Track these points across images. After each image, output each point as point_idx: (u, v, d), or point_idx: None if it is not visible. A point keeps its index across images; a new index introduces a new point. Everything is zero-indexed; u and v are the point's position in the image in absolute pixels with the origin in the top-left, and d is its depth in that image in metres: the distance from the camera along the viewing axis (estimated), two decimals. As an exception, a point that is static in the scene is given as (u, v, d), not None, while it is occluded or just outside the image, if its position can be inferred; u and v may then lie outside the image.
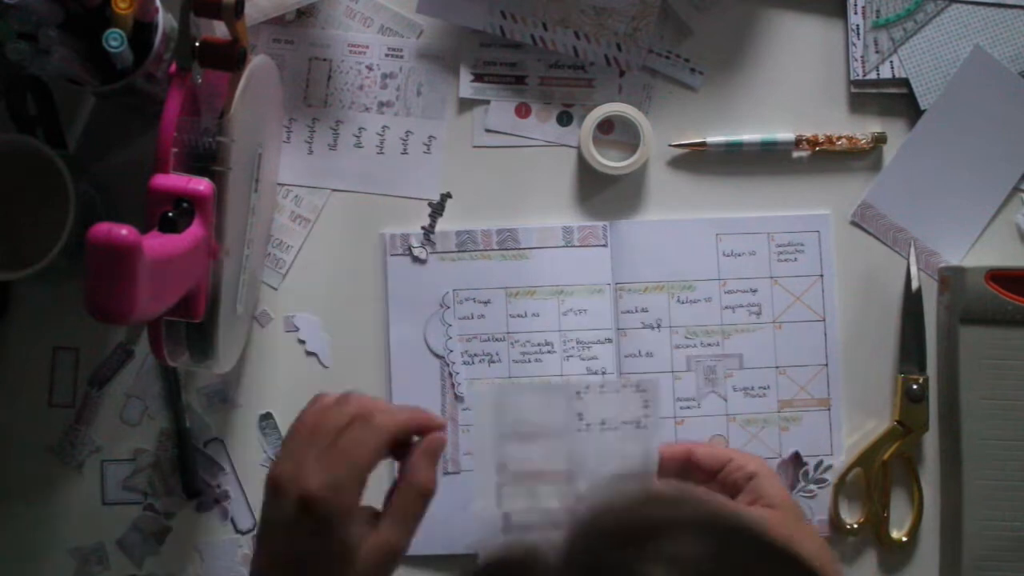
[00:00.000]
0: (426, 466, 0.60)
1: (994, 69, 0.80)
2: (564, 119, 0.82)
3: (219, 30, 0.70)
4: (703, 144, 0.81)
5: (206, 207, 0.64)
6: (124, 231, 0.54)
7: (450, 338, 0.80)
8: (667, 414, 0.80)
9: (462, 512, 0.79)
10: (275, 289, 0.81)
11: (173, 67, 0.66)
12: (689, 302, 0.80)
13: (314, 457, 0.57)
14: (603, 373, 0.79)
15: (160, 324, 0.66)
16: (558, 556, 0.39)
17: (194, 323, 0.68)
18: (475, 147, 0.82)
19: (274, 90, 0.78)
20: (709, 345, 0.80)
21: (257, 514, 0.79)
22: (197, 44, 0.66)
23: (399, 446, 0.60)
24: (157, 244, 0.60)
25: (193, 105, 0.67)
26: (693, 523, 0.40)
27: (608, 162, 0.80)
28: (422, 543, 0.79)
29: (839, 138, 0.81)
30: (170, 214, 0.63)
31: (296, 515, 0.56)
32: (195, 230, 0.64)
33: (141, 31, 0.71)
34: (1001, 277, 0.78)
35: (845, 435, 0.80)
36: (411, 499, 0.59)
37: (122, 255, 0.54)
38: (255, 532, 0.74)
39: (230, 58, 0.67)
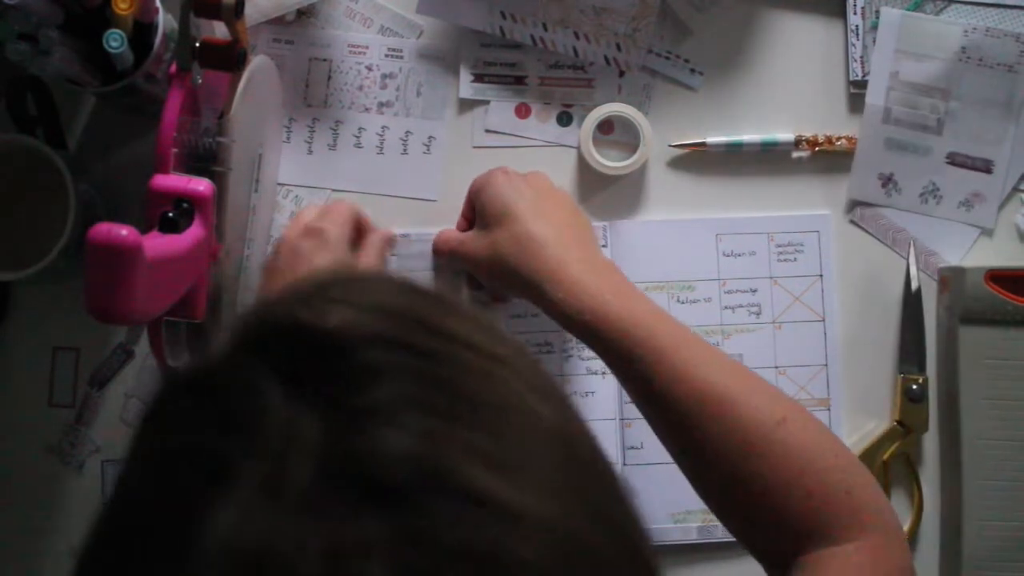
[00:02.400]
0: (386, 233, 0.78)
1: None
2: (564, 119, 0.82)
3: (219, 30, 0.70)
4: (703, 144, 0.81)
5: (206, 207, 0.64)
6: (124, 231, 0.54)
7: (450, 338, 0.80)
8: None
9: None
10: (275, 289, 0.81)
11: (173, 67, 0.66)
12: (689, 302, 0.80)
13: (308, 216, 0.74)
14: (603, 374, 0.79)
15: (160, 324, 0.66)
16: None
17: (194, 323, 0.68)
18: (475, 147, 0.82)
19: (274, 90, 0.78)
20: (709, 345, 0.80)
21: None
22: (197, 44, 0.66)
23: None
24: (157, 244, 0.60)
25: (193, 105, 0.67)
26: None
27: (608, 162, 0.80)
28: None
29: (839, 138, 0.81)
30: (170, 214, 0.63)
31: (302, 241, 0.70)
32: (195, 230, 0.64)
33: (141, 31, 0.71)
34: (1001, 277, 0.78)
35: (845, 435, 0.80)
36: (381, 240, 0.76)
37: (122, 255, 0.54)
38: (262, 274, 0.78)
39: (230, 59, 0.67)
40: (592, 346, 0.65)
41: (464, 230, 0.77)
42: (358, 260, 0.73)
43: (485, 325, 0.38)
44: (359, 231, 0.76)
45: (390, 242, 0.78)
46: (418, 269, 0.80)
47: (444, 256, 0.77)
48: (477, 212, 0.74)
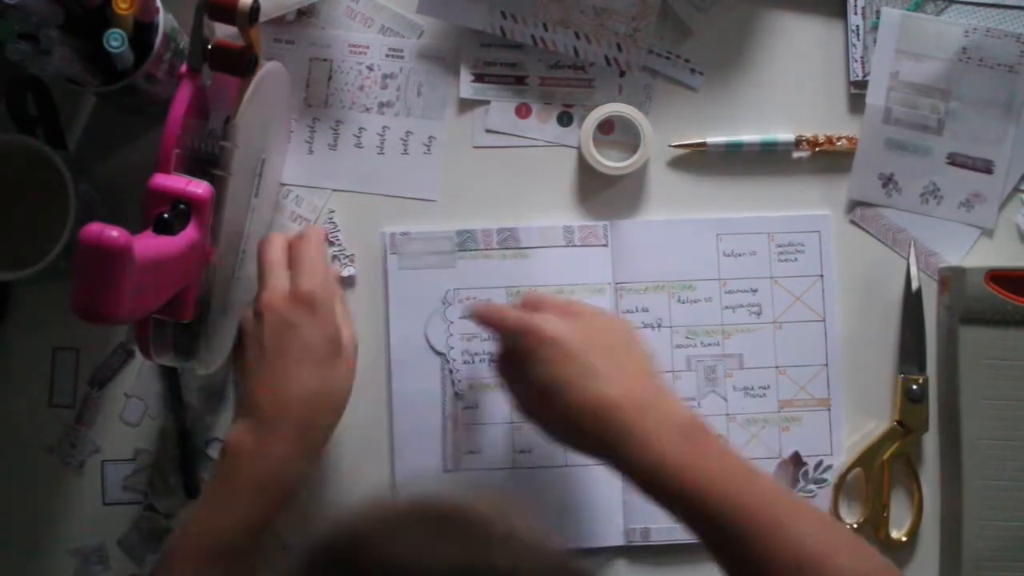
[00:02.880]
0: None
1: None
2: (564, 119, 0.82)
3: (220, 31, 0.70)
4: (703, 144, 0.81)
5: (203, 210, 0.64)
6: (115, 233, 0.54)
7: (451, 335, 0.80)
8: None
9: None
10: (275, 289, 0.81)
11: (183, 67, 0.66)
12: (689, 302, 0.80)
13: (283, 278, 0.70)
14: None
15: (148, 322, 0.66)
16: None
17: (182, 323, 0.68)
18: (475, 147, 0.82)
19: (283, 96, 0.78)
20: (709, 345, 0.80)
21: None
22: (209, 47, 0.66)
23: None
24: (150, 245, 0.59)
25: (201, 107, 0.67)
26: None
27: (608, 162, 0.80)
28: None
29: (839, 138, 0.81)
30: (166, 215, 0.63)
31: (293, 314, 0.68)
32: (190, 233, 0.64)
33: (141, 31, 0.71)
34: (1001, 277, 0.78)
35: (845, 435, 0.80)
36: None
37: (112, 257, 0.54)
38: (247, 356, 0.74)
39: (241, 63, 0.66)
40: (665, 499, 0.62)
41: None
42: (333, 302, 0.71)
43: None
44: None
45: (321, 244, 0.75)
46: (417, 267, 0.80)
47: (511, 333, 0.69)
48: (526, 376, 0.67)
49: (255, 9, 0.64)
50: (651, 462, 0.61)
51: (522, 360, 0.66)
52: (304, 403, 0.67)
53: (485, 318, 0.71)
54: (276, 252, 0.72)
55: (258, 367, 0.68)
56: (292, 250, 0.72)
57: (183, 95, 0.65)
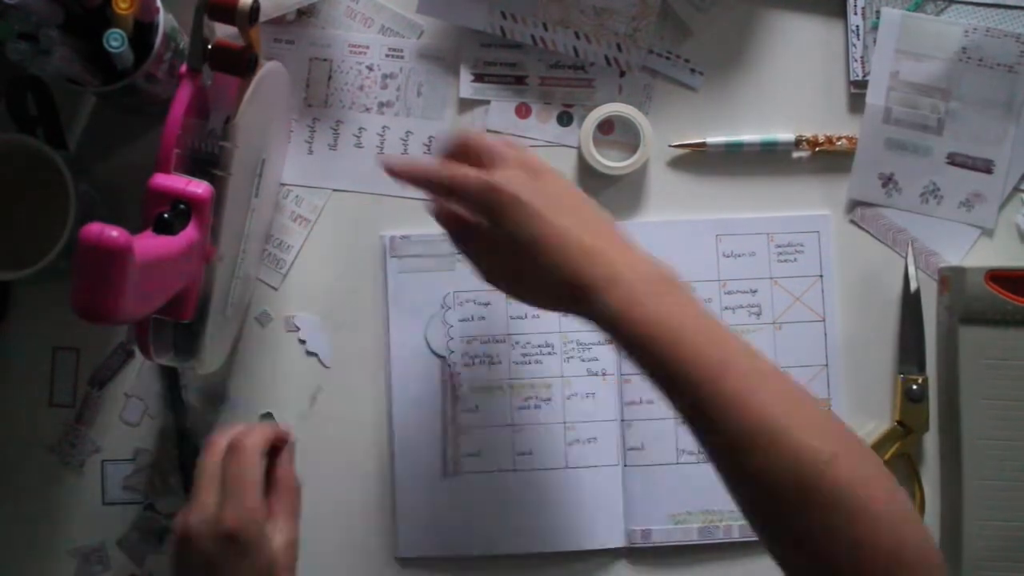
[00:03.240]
0: (291, 467, 0.69)
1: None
2: (564, 119, 0.82)
3: (221, 31, 0.70)
4: (703, 144, 0.81)
5: (203, 210, 0.64)
6: (115, 233, 0.54)
7: (451, 338, 0.80)
8: (667, 415, 0.79)
9: (463, 514, 0.79)
10: (275, 289, 0.81)
11: (183, 67, 0.66)
12: (689, 302, 0.80)
13: (214, 499, 0.64)
14: (604, 375, 0.79)
15: (148, 322, 0.66)
16: None
17: (182, 323, 0.68)
18: (475, 147, 0.82)
19: (283, 96, 0.78)
20: (709, 345, 0.80)
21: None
22: (209, 47, 0.66)
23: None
24: (150, 245, 0.59)
25: (201, 107, 0.67)
26: None
27: (608, 162, 0.80)
28: (424, 545, 0.79)
29: (839, 138, 0.81)
30: (166, 215, 0.63)
31: (223, 555, 0.62)
32: (190, 233, 0.64)
33: (141, 31, 0.71)
34: (1001, 277, 0.78)
35: (845, 435, 0.80)
36: (293, 498, 0.68)
37: (112, 257, 0.54)
38: None
39: (241, 63, 0.66)
40: (633, 352, 0.59)
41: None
42: (274, 527, 0.65)
43: None
44: (271, 456, 0.69)
45: (292, 459, 0.70)
46: (417, 270, 0.80)
47: (469, 193, 0.63)
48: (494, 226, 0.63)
49: (255, 9, 0.64)
50: (619, 308, 0.59)
51: (492, 222, 0.62)
52: None
53: (431, 175, 0.65)
54: (210, 463, 0.66)
55: None
56: (227, 464, 0.65)
57: (183, 95, 0.65)
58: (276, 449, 0.69)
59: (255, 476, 0.65)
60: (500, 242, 0.62)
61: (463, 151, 0.66)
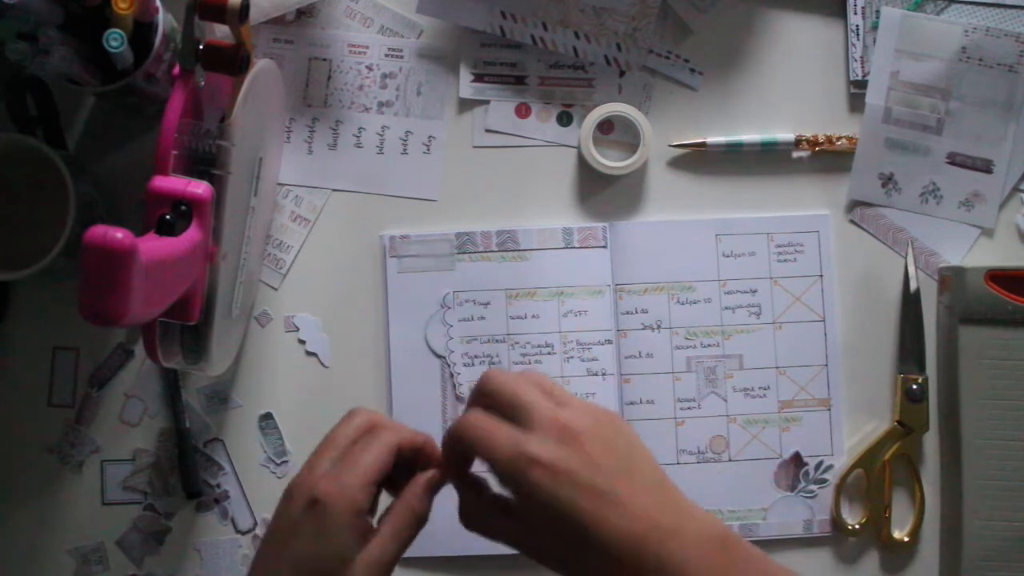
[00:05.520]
0: (424, 495, 0.60)
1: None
2: (564, 119, 0.82)
3: (218, 31, 0.70)
4: (703, 144, 0.81)
5: (204, 210, 0.64)
6: (120, 234, 0.54)
7: (451, 338, 0.80)
8: (667, 415, 0.80)
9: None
10: (275, 289, 0.81)
11: (176, 69, 0.66)
12: (689, 303, 0.80)
13: (326, 465, 0.59)
14: (603, 375, 0.79)
15: (154, 325, 0.66)
16: None
17: (189, 325, 0.68)
18: (475, 147, 0.82)
19: (277, 94, 0.78)
20: (709, 346, 0.80)
21: (257, 514, 0.80)
22: (201, 47, 0.66)
23: (399, 474, 0.61)
24: (153, 247, 0.59)
25: (195, 107, 0.67)
26: None
27: (608, 162, 0.80)
28: (424, 546, 0.79)
29: (839, 138, 0.81)
30: (167, 217, 0.63)
31: (302, 517, 0.57)
32: (192, 233, 0.64)
33: (141, 31, 0.71)
34: (1001, 277, 0.78)
35: (846, 435, 0.80)
36: (406, 521, 0.60)
37: (117, 259, 0.54)
38: (262, 537, 0.72)
39: (233, 62, 0.66)
40: None
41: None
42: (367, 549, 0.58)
43: None
44: (410, 457, 0.61)
45: (437, 488, 0.61)
46: (416, 270, 0.80)
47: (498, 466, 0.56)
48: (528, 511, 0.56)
49: (245, 7, 0.64)
50: None
51: (522, 496, 0.56)
52: None
53: (466, 442, 0.58)
54: (341, 432, 0.60)
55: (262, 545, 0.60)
56: (355, 440, 0.60)
57: (177, 96, 0.65)
58: (415, 463, 0.62)
59: (372, 463, 0.58)
60: (534, 515, 0.56)
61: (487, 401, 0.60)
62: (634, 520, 0.54)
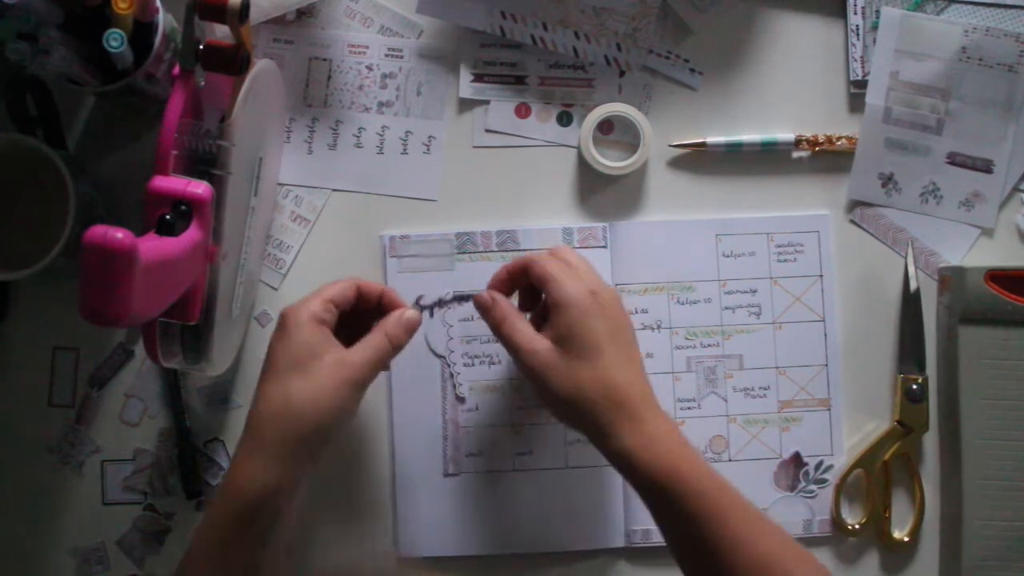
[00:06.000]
0: (397, 323, 0.71)
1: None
2: (564, 119, 0.82)
3: (219, 31, 0.70)
4: (703, 144, 0.81)
5: (204, 210, 0.64)
6: (120, 235, 0.54)
7: (451, 338, 0.80)
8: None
9: (463, 514, 0.79)
10: (275, 289, 0.81)
11: (176, 69, 0.66)
12: (689, 303, 0.80)
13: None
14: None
15: (155, 325, 0.66)
16: None
17: (189, 325, 0.68)
18: (475, 147, 0.82)
19: (277, 94, 0.78)
20: (709, 346, 0.80)
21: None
22: (201, 47, 0.66)
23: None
24: (153, 247, 0.59)
25: (195, 107, 0.67)
26: None
27: (608, 162, 0.80)
28: (424, 545, 0.79)
29: (839, 138, 0.81)
30: (168, 216, 0.63)
31: (275, 333, 0.69)
32: (192, 233, 0.64)
33: (141, 31, 0.71)
34: (1001, 277, 0.78)
35: (846, 435, 0.80)
36: (379, 340, 0.70)
37: (117, 259, 0.54)
38: None
39: (233, 62, 0.66)
40: (646, 498, 0.66)
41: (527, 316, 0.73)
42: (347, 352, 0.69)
43: None
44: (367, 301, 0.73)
45: (407, 328, 0.72)
46: (416, 270, 0.80)
47: (501, 338, 0.71)
48: (557, 323, 0.68)
49: (245, 7, 0.64)
50: (635, 447, 0.65)
51: (562, 305, 0.68)
52: (269, 419, 0.67)
53: (536, 273, 0.71)
54: (339, 283, 0.72)
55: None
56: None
57: (177, 97, 0.65)
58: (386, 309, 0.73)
59: (331, 289, 0.71)
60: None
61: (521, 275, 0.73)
62: (617, 374, 0.67)
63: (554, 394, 0.67)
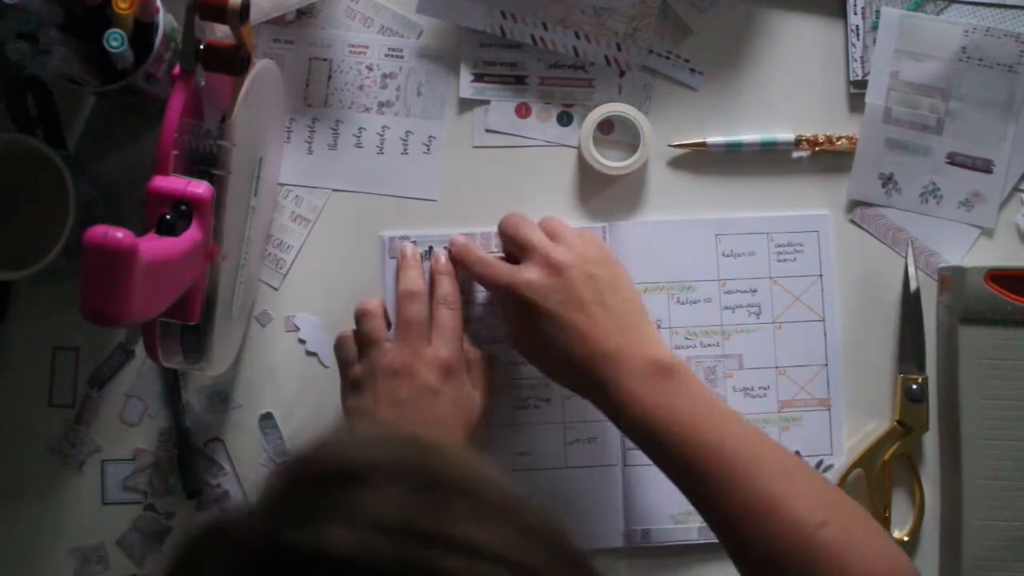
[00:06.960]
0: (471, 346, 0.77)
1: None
2: (564, 119, 0.82)
3: (219, 31, 0.70)
4: (703, 144, 0.81)
5: (204, 210, 0.64)
6: (120, 234, 0.54)
7: (450, 338, 0.80)
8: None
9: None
10: (275, 289, 0.81)
11: (176, 69, 0.66)
12: (689, 303, 0.80)
13: (414, 345, 0.73)
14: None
15: (155, 325, 0.66)
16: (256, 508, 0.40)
17: (189, 325, 0.68)
18: (475, 147, 0.82)
19: (277, 94, 0.78)
20: (709, 346, 0.80)
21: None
22: (201, 47, 0.66)
23: None
24: (154, 247, 0.59)
25: (195, 107, 0.67)
26: (391, 471, 0.40)
27: (608, 162, 0.80)
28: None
29: (839, 138, 0.81)
30: (168, 216, 0.63)
31: (438, 378, 0.71)
32: (193, 233, 0.64)
33: (141, 31, 0.71)
34: (1001, 277, 0.78)
35: (845, 435, 0.80)
36: (480, 367, 0.77)
37: (118, 259, 0.54)
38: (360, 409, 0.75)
39: (233, 62, 0.66)
40: (638, 441, 0.68)
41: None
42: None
43: (486, 496, 0.40)
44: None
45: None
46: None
47: (483, 277, 0.75)
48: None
49: (245, 7, 0.64)
50: (620, 403, 0.67)
51: (512, 313, 0.73)
52: None
53: (468, 266, 0.76)
54: (406, 309, 0.75)
55: (386, 417, 0.71)
56: (431, 311, 0.75)
57: (178, 97, 0.65)
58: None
59: (458, 323, 0.75)
60: (520, 327, 0.73)
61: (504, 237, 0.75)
62: (583, 343, 0.68)
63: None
